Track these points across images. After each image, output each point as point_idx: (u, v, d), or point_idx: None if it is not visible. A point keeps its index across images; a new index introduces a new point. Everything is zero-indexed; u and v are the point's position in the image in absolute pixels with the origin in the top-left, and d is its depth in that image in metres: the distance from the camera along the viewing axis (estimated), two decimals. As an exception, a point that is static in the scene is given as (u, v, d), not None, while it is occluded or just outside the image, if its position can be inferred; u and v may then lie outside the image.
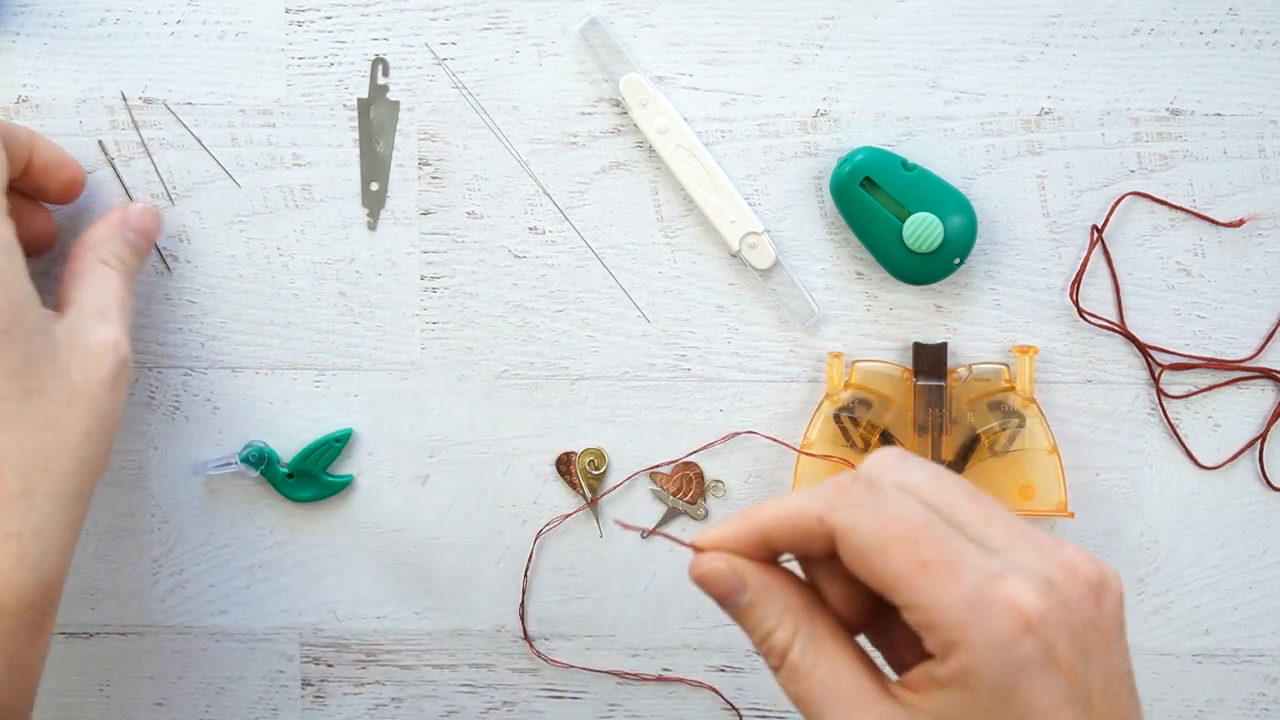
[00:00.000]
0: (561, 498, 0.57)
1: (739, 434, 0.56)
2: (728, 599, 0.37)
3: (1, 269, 0.41)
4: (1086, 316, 0.55)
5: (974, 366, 0.55)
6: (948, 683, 0.33)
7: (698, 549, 0.38)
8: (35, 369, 0.43)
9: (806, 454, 0.55)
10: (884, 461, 0.36)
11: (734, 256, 0.56)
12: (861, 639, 0.38)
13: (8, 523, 0.42)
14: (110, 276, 0.49)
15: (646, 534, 0.40)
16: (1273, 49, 0.54)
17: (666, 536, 0.39)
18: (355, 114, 0.56)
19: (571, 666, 0.58)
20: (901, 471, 0.36)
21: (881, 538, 0.34)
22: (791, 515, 0.36)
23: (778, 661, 0.36)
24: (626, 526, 0.43)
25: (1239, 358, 0.55)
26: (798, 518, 0.36)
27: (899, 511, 0.34)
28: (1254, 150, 0.55)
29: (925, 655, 0.34)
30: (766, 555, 0.37)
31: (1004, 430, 0.55)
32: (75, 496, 0.45)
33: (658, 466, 0.57)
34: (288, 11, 0.55)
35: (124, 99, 0.56)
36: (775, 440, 0.56)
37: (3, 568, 0.42)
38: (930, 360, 0.55)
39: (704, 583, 0.37)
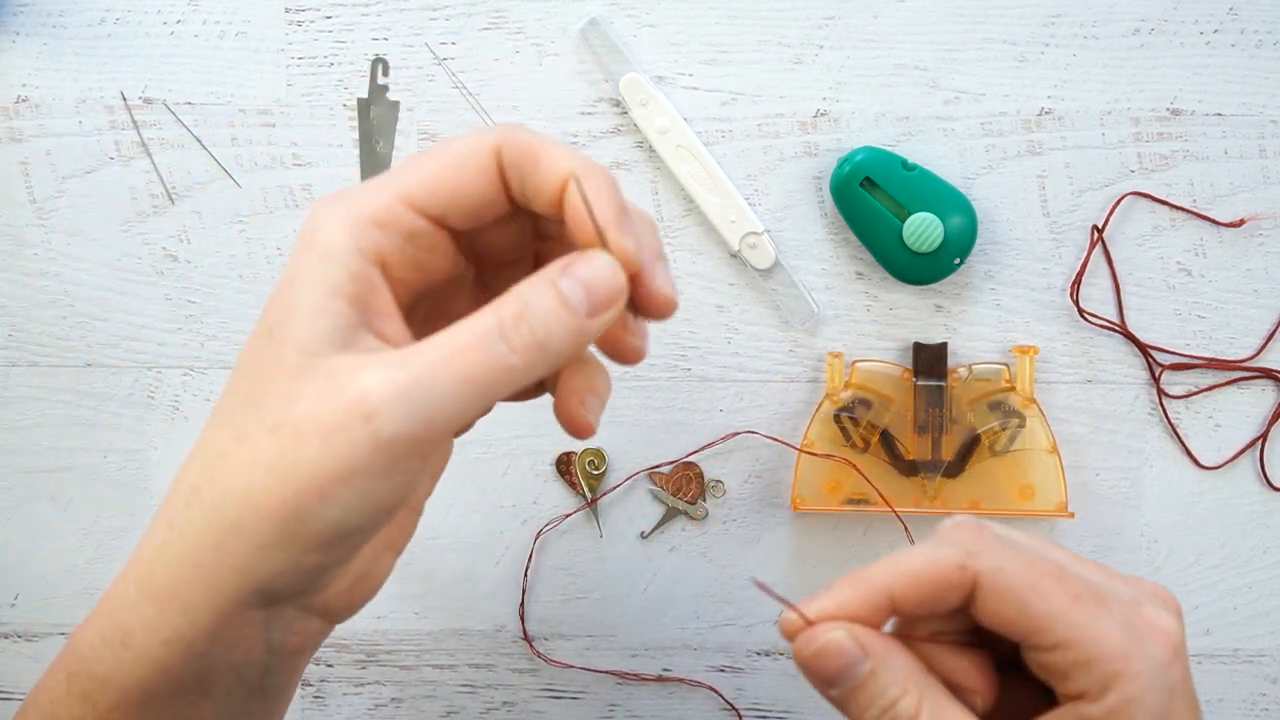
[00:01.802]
0: (561, 498, 0.57)
1: (739, 434, 0.56)
2: (845, 673, 0.33)
3: (311, 273, 0.31)
4: (1087, 316, 0.55)
5: (974, 366, 0.55)
6: (1103, 717, 0.32)
7: (810, 622, 0.33)
8: (269, 377, 0.32)
9: (807, 453, 0.55)
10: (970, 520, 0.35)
11: (734, 256, 0.55)
12: None
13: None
14: (484, 345, 0.31)
15: (770, 593, 0.36)
16: (1273, 49, 0.54)
17: (774, 595, 0.34)
18: (355, 114, 0.56)
19: (571, 666, 0.58)
20: (996, 534, 0.35)
21: (1031, 575, 0.33)
22: (926, 567, 0.33)
23: None
24: (764, 589, 0.35)
25: (1239, 358, 0.55)
26: (933, 568, 0.33)
27: (1037, 551, 0.34)
28: (1254, 150, 0.55)
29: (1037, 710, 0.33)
30: (881, 622, 0.34)
31: (1004, 430, 0.55)
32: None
33: (658, 466, 0.57)
34: (287, 11, 0.55)
35: (124, 99, 0.56)
36: (775, 440, 0.56)
37: None
38: (930, 360, 0.55)
39: (820, 659, 0.33)
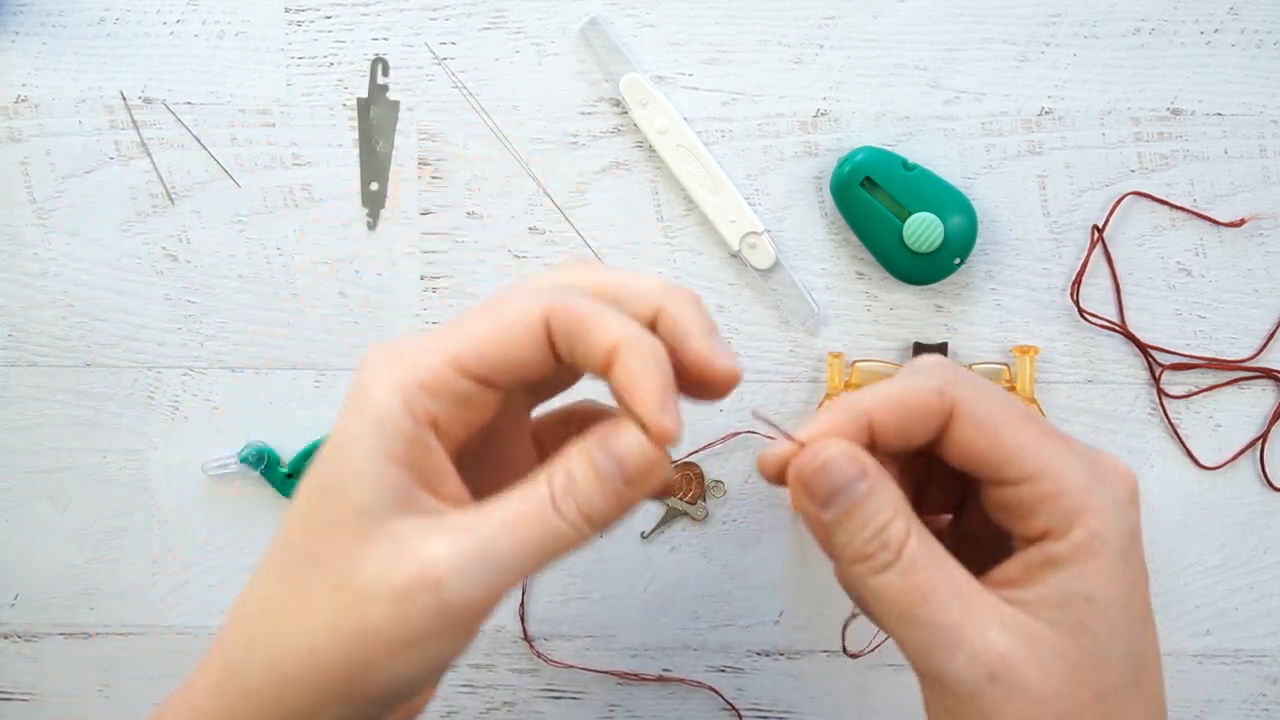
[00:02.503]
0: (561, 498, 0.57)
1: (739, 434, 0.56)
2: (844, 490, 0.33)
3: (365, 437, 0.32)
4: (1087, 316, 0.55)
5: (974, 366, 0.55)
6: (1070, 556, 0.32)
7: (800, 443, 0.35)
8: (329, 537, 0.32)
9: (807, 454, 0.55)
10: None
11: (734, 256, 0.55)
12: None
13: None
14: (541, 514, 0.32)
15: (755, 417, 0.38)
16: (1273, 48, 0.54)
17: (768, 421, 0.36)
18: (355, 114, 0.55)
19: (572, 667, 0.58)
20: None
21: (1004, 409, 0.33)
22: (907, 393, 0.34)
23: (893, 555, 0.33)
24: (761, 418, 0.37)
25: (1240, 358, 0.55)
26: (914, 395, 0.34)
27: (1003, 392, 0.35)
28: (1255, 150, 0.55)
29: (1003, 553, 0.34)
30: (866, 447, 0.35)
31: (1004, 430, 0.55)
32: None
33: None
34: (287, 11, 0.55)
35: (123, 99, 0.56)
36: (775, 440, 0.56)
37: None
38: (930, 360, 0.55)
39: (823, 473, 0.34)
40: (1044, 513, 0.33)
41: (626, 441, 0.33)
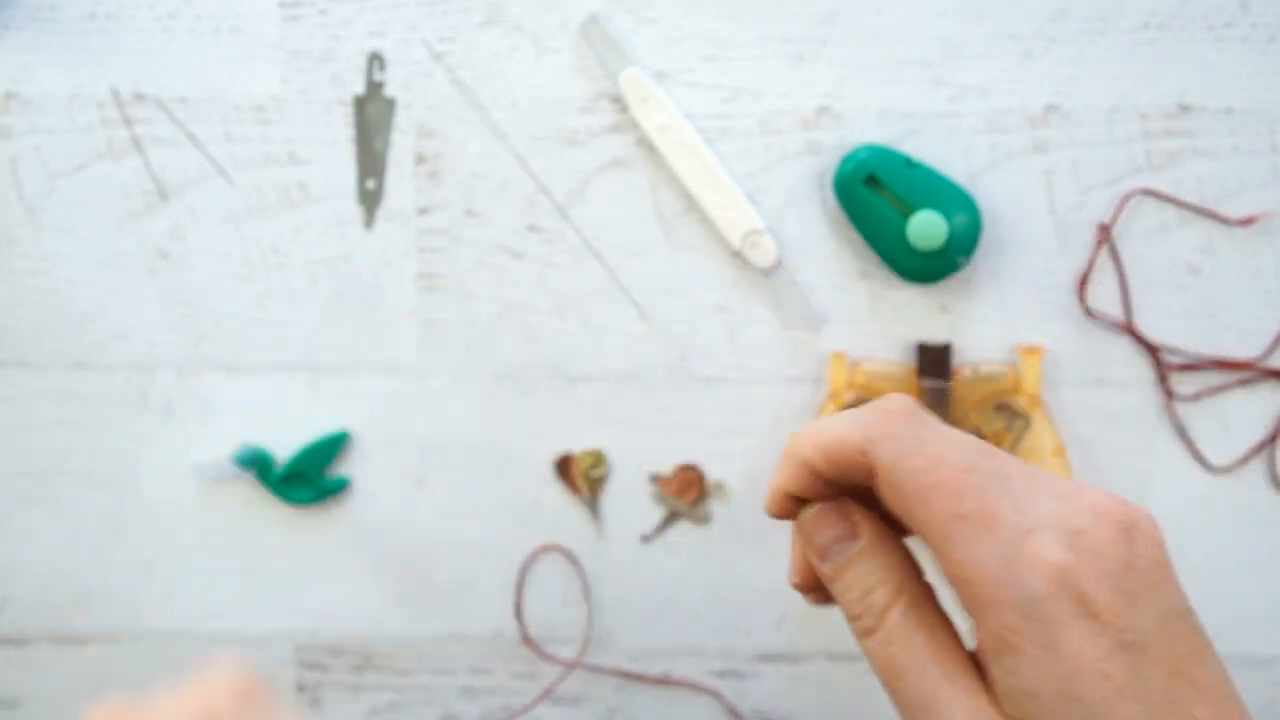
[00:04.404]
0: (561, 500, 0.56)
1: (741, 435, 0.56)
2: (836, 545, 0.35)
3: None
4: (1094, 316, 0.55)
5: (979, 367, 0.54)
6: (995, 650, 0.32)
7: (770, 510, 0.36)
8: None
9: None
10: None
11: (735, 255, 0.55)
12: None
13: None
14: None
15: None
16: (1283, 44, 0.54)
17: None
18: (351, 110, 0.55)
19: (572, 669, 0.57)
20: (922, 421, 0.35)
21: (921, 483, 0.32)
22: (833, 445, 0.34)
23: (874, 622, 0.33)
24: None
25: (1249, 358, 0.55)
26: (839, 448, 0.34)
27: (941, 452, 0.33)
28: (1265, 147, 0.54)
29: None
30: (828, 491, 0.35)
31: (1009, 432, 0.54)
32: None
33: (659, 468, 0.56)
34: (282, 6, 0.54)
35: (116, 95, 0.55)
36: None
37: None
38: (934, 360, 0.54)
39: (815, 525, 0.35)
40: (959, 592, 0.32)
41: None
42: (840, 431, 0.34)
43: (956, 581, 0.32)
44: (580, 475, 0.56)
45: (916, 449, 0.33)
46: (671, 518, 0.57)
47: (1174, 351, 0.55)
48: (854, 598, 0.34)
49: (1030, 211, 0.55)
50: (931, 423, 0.34)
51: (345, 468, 0.57)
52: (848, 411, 0.35)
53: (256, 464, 0.55)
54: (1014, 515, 0.32)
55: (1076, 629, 0.31)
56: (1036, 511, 0.32)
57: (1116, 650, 0.31)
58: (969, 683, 0.32)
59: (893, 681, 0.33)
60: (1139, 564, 0.32)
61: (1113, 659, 0.31)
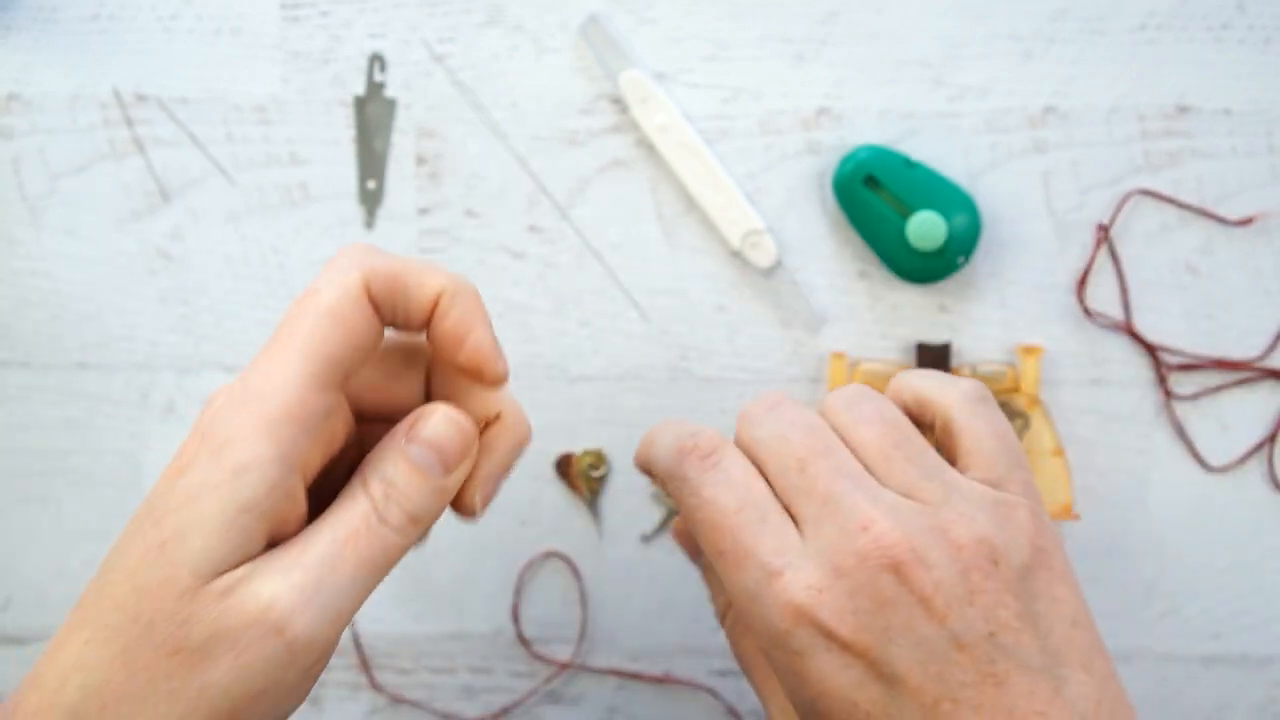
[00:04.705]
0: (561, 499, 0.57)
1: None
2: (695, 559, 0.43)
3: (221, 489, 0.29)
4: (1093, 316, 0.55)
5: (978, 367, 0.55)
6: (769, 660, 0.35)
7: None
8: (161, 597, 0.30)
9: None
10: (767, 401, 0.37)
11: (735, 255, 0.55)
12: None
13: None
14: (368, 528, 0.31)
15: None
16: (1282, 45, 0.54)
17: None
18: (352, 111, 0.55)
19: (570, 668, 0.57)
20: (772, 422, 0.36)
21: (694, 520, 0.35)
22: (646, 465, 0.39)
23: (720, 623, 0.40)
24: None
25: (1248, 358, 0.55)
26: (648, 466, 0.39)
27: (714, 494, 0.35)
28: (1263, 147, 0.54)
29: None
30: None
31: (1009, 431, 0.54)
32: None
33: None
34: (283, 7, 0.55)
35: (117, 96, 0.55)
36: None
37: None
38: (934, 360, 0.54)
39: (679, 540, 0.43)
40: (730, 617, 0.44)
41: (434, 424, 0.32)
42: (657, 468, 0.38)
43: (732, 602, 0.36)
44: (580, 475, 0.56)
45: (694, 490, 0.36)
46: (671, 517, 0.57)
47: (1173, 351, 0.55)
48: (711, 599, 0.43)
49: (1030, 211, 0.55)
50: (729, 459, 0.36)
51: (346, 467, 0.57)
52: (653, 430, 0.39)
53: (257, 464, 0.55)
54: (769, 556, 0.33)
55: (822, 660, 0.32)
56: (807, 548, 0.33)
57: (869, 681, 0.32)
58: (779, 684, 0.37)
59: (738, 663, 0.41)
60: (902, 601, 0.32)
61: (864, 689, 0.32)
